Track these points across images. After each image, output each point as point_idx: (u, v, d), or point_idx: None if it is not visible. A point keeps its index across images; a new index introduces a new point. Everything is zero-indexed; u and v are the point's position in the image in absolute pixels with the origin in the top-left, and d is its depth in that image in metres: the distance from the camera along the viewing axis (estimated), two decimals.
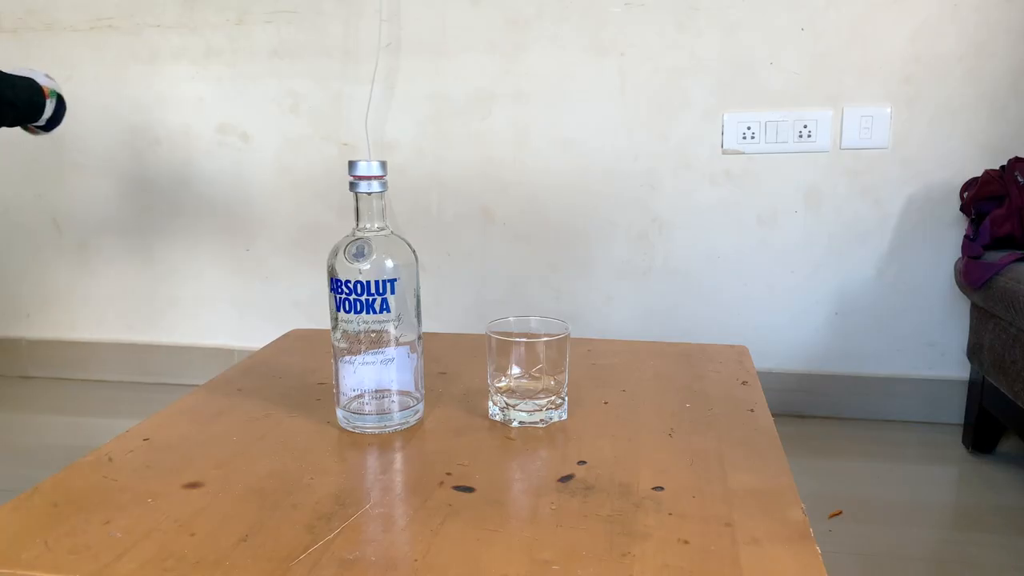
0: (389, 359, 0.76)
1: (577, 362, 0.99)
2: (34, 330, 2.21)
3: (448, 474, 0.68)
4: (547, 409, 0.79)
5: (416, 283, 0.78)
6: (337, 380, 0.78)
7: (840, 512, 1.39)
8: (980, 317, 1.56)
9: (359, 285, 0.74)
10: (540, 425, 0.79)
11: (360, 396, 0.77)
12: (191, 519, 0.61)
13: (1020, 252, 1.46)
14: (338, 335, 0.76)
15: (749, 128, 1.75)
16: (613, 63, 1.78)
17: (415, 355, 0.78)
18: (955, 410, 1.76)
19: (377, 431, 0.77)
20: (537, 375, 0.79)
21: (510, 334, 0.80)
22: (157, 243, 2.09)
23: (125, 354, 2.15)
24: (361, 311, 0.75)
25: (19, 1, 2.00)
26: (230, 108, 1.97)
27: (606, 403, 0.85)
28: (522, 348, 0.79)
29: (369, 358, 0.75)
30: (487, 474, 0.69)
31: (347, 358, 0.76)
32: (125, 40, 1.98)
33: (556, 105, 1.83)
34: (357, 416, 0.77)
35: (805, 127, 1.73)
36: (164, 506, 0.63)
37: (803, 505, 0.62)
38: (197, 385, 0.94)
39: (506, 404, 0.79)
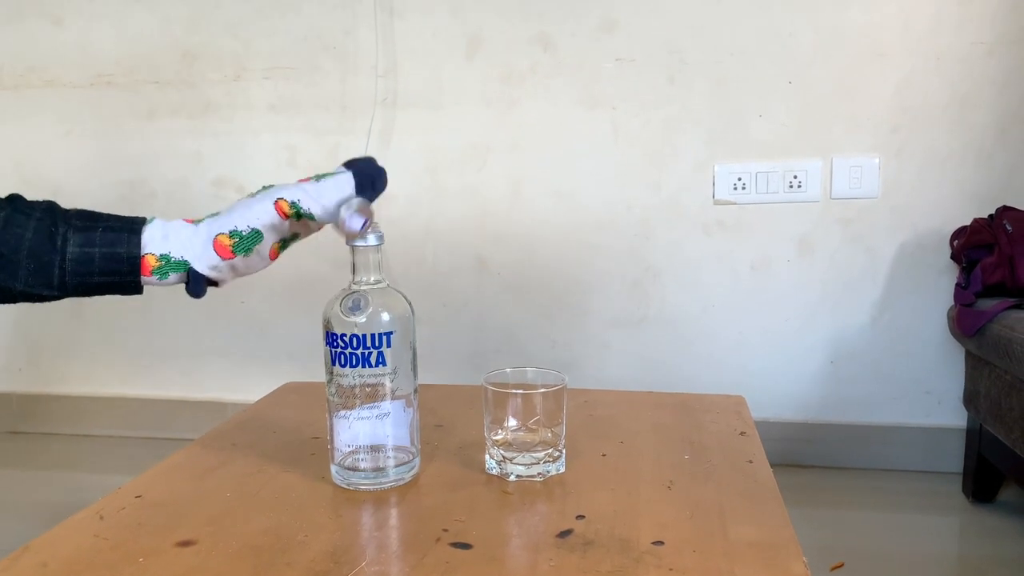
0: (385, 413, 0.75)
1: (574, 413, 0.99)
2: (24, 384, 2.19)
3: (445, 530, 0.67)
4: (544, 462, 0.78)
5: (412, 335, 0.77)
6: (332, 435, 0.77)
7: (842, 564, 1.37)
8: (975, 365, 1.56)
9: (355, 338, 0.73)
10: (538, 479, 0.78)
11: (355, 452, 0.76)
12: None
13: (1012, 300, 1.47)
14: (333, 389, 0.76)
15: (740, 179, 1.77)
16: (605, 116, 1.81)
17: (411, 409, 0.77)
18: (954, 458, 1.74)
19: (372, 488, 0.76)
20: (534, 427, 0.78)
21: (506, 385, 0.79)
22: (150, 295, 2.08)
23: (117, 408, 2.13)
24: (357, 365, 0.74)
25: (20, 58, 2.03)
26: (227, 162, 1.99)
27: (604, 455, 0.84)
28: (519, 400, 0.79)
29: (364, 412, 0.74)
30: (485, 530, 0.68)
31: (342, 413, 0.75)
32: (124, 96, 2.00)
33: (550, 157, 1.85)
34: (352, 472, 0.76)
35: (795, 177, 1.75)
36: (156, 565, 0.62)
37: (805, 559, 0.61)
38: (190, 440, 0.93)
39: (503, 457, 0.78)
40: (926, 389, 1.78)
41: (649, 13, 1.76)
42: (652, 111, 1.79)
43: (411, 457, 0.78)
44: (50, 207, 0.70)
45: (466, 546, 0.65)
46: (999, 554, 1.42)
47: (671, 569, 0.60)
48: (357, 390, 0.74)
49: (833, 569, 1.36)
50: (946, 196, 1.71)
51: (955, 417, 1.76)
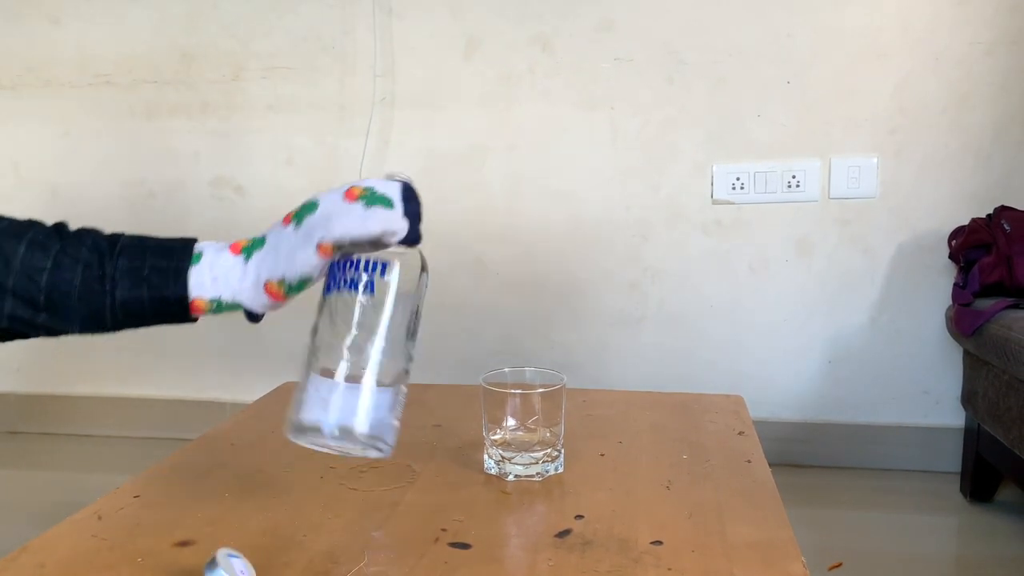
0: (358, 347, 0.64)
1: (573, 413, 0.99)
2: (23, 384, 2.18)
3: (444, 530, 0.67)
4: (543, 462, 0.78)
5: (419, 296, 0.68)
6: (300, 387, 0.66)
7: (840, 564, 1.37)
8: (973, 364, 1.56)
9: (349, 261, 0.65)
10: (536, 479, 0.78)
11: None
12: None
13: (1010, 299, 1.47)
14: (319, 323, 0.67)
15: (738, 179, 1.77)
16: (604, 116, 1.81)
17: (395, 378, 0.66)
18: (952, 458, 1.74)
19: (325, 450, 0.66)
20: (533, 427, 0.78)
21: (505, 385, 0.79)
22: None
23: (115, 408, 2.13)
24: (340, 288, 0.65)
25: (18, 58, 2.03)
26: (225, 162, 1.98)
27: (603, 455, 0.84)
28: (517, 400, 0.79)
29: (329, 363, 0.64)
30: (483, 530, 0.68)
31: (315, 361, 0.65)
32: (122, 96, 2.00)
33: (548, 157, 1.85)
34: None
35: (794, 177, 1.75)
36: (155, 565, 0.62)
37: (803, 559, 0.61)
38: (189, 439, 0.93)
39: (502, 457, 0.78)
40: (924, 389, 1.79)
41: (647, 13, 1.76)
42: (651, 111, 1.79)
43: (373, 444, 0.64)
44: (96, 244, 0.68)
45: (465, 546, 0.65)
46: (997, 553, 1.42)
47: (670, 569, 0.60)
48: (339, 317, 0.65)
49: (831, 569, 1.36)
50: (944, 196, 1.71)
51: (953, 417, 1.76)
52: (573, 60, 1.80)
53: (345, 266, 0.66)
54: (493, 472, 0.79)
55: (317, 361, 0.65)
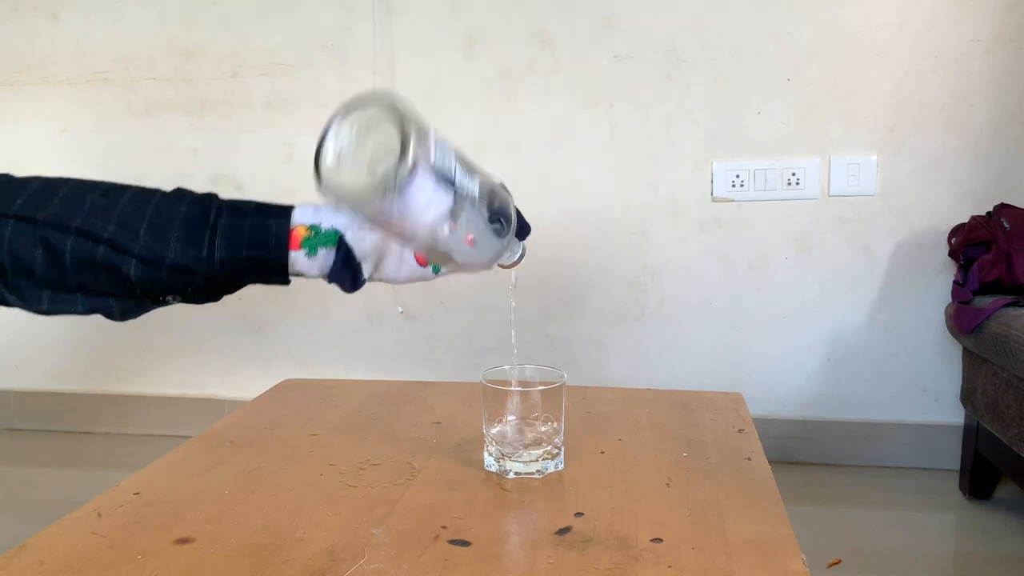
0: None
1: (572, 410, 0.99)
2: (22, 381, 2.18)
3: (443, 527, 0.67)
4: (543, 459, 0.78)
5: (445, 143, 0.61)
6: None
7: (839, 561, 1.37)
8: (972, 362, 1.56)
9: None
10: (536, 476, 0.78)
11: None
12: None
13: (1009, 297, 1.47)
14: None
15: (738, 176, 1.77)
16: (603, 114, 1.81)
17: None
18: (951, 456, 1.75)
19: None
20: (533, 424, 0.78)
21: (505, 382, 0.79)
22: None
23: (114, 405, 2.13)
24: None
25: (16, 55, 2.03)
26: (224, 159, 1.98)
27: (602, 452, 0.84)
28: (517, 397, 0.79)
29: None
30: (483, 527, 0.68)
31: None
32: (121, 93, 2.00)
33: (547, 155, 1.85)
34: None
35: (793, 175, 1.75)
36: (154, 563, 0.62)
37: (803, 556, 0.61)
38: (188, 437, 0.93)
39: (502, 455, 0.78)
40: (923, 386, 1.79)
41: (647, 11, 1.76)
42: (650, 108, 1.79)
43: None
44: (209, 194, 0.69)
45: (465, 543, 0.65)
46: (996, 551, 1.42)
47: (670, 566, 0.60)
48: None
49: (831, 566, 1.36)
50: (944, 194, 1.71)
51: (952, 414, 1.76)
52: (573, 57, 1.80)
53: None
54: (493, 469, 0.79)
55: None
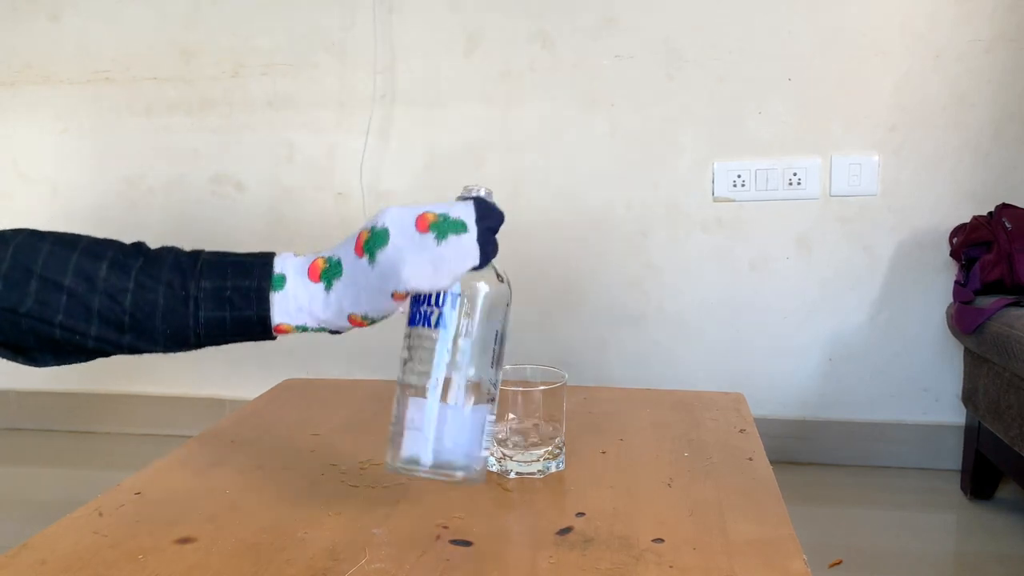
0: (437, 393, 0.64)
1: (573, 410, 0.99)
2: (23, 381, 2.18)
3: (445, 527, 0.67)
4: (544, 459, 0.78)
5: (502, 321, 0.68)
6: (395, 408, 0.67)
7: (840, 561, 1.37)
8: (973, 362, 1.56)
9: (421, 296, 0.65)
10: (537, 476, 0.78)
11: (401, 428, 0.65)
12: None
13: (1010, 297, 1.47)
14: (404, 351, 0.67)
15: (739, 176, 1.77)
16: (604, 113, 1.81)
17: (474, 407, 0.65)
18: (952, 456, 1.75)
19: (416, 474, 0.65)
20: (534, 424, 0.78)
21: (506, 382, 0.79)
22: None
23: (115, 405, 2.13)
24: (419, 323, 0.65)
25: (17, 55, 2.03)
26: (225, 158, 1.98)
27: (604, 452, 0.84)
28: (519, 397, 0.79)
29: (419, 385, 0.64)
30: (484, 527, 0.68)
31: (401, 379, 0.66)
32: (121, 93, 2.00)
33: (548, 154, 1.85)
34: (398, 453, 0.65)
35: (795, 175, 1.75)
36: (155, 562, 0.62)
37: (804, 556, 0.61)
38: (189, 437, 0.93)
39: (503, 454, 0.78)
40: (924, 386, 1.79)
41: (648, 10, 1.76)
42: (651, 108, 1.79)
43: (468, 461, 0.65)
44: (177, 262, 0.66)
45: (466, 543, 0.65)
46: (997, 551, 1.42)
47: (671, 567, 0.60)
48: (416, 353, 0.65)
49: (832, 566, 1.36)
50: (945, 194, 1.71)
51: (953, 414, 1.76)
52: (574, 57, 1.80)
53: (419, 300, 0.66)
54: (494, 469, 0.79)
55: (404, 394, 0.66)
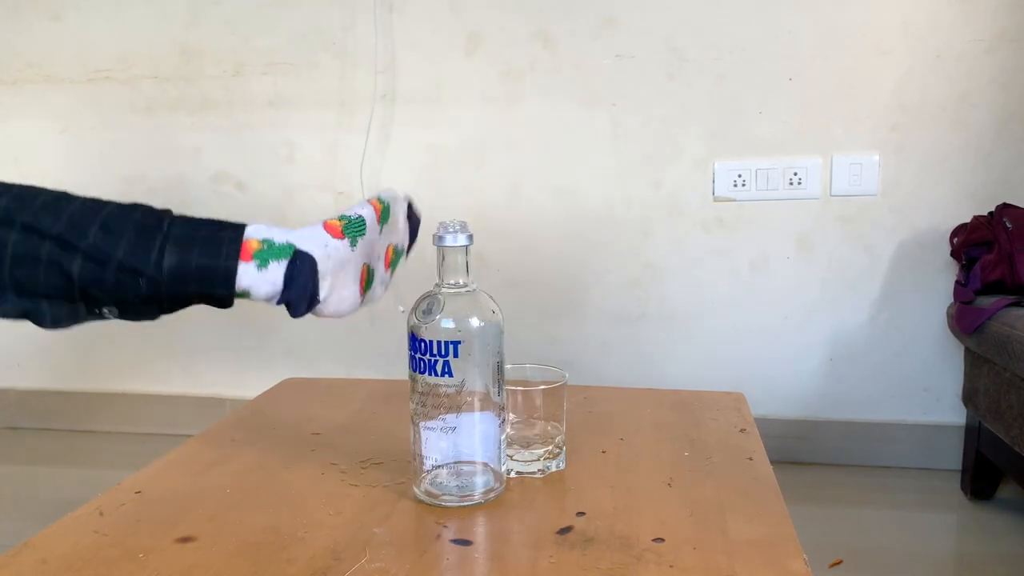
0: (450, 427, 0.70)
1: (574, 410, 0.99)
2: (24, 380, 2.18)
3: (445, 526, 0.67)
4: (545, 459, 0.78)
5: (497, 346, 0.72)
6: (413, 445, 0.72)
7: (840, 561, 1.37)
8: (974, 362, 1.56)
9: (423, 343, 0.69)
10: (538, 475, 0.78)
11: (437, 466, 0.71)
12: (184, 575, 0.60)
13: (1011, 297, 1.47)
14: (413, 396, 0.72)
15: (740, 176, 1.77)
16: (605, 113, 1.81)
17: (491, 423, 0.71)
18: (952, 456, 1.75)
19: (451, 504, 0.71)
20: (534, 424, 0.78)
21: (507, 382, 0.79)
22: None
23: (116, 404, 2.13)
24: (424, 371, 0.69)
25: (18, 54, 2.03)
26: (226, 158, 1.98)
27: (604, 452, 0.84)
28: (519, 396, 0.79)
29: (433, 424, 0.70)
30: (485, 527, 0.68)
31: (421, 423, 0.71)
32: (122, 92, 2.00)
33: (549, 154, 1.85)
34: (431, 487, 0.72)
35: (795, 174, 1.75)
36: (156, 561, 0.62)
37: (805, 556, 0.61)
38: (190, 436, 0.93)
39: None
40: (925, 386, 1.79)
41: (649, 10, 1.76)
42: (652, 108, 1.79)
43: (487, 474, 0.72)
44: (165, 208, 0.69)
45: (466, 543, 0.65)
46: (997, 551, 1.42)
47: (671, 566, 0.60)
48: (428, 399, 0.70)
49: (832, 566, 1.36)
50: (945, 194, 1.71)
51: (954, 414, 1.76)
52: (574, 57, 1.80)
53: (418, 346, 0.70)
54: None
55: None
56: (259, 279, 0.68)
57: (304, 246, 0.69)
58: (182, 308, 0.70)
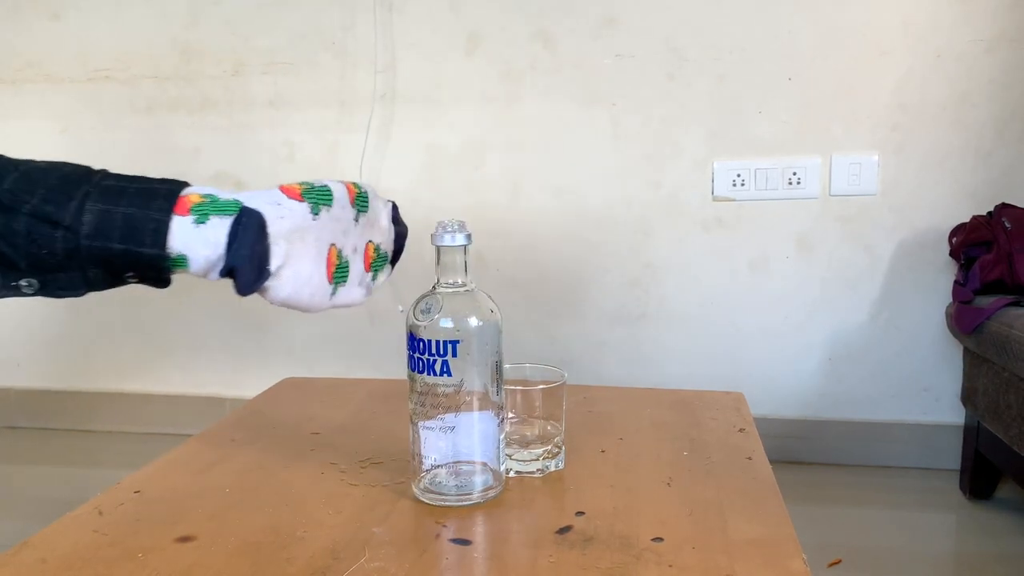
0: (449, 427, 0.70)
1: (573, 409, 0.99)
2: (23, 379, 2.18)
3: (444, 526, 0.67)
4: (544, 458, 0.78)
5: (495, 345, 0.72)
6: (412, 445, 0.72)
7: (840, 561, 1.37)
8: (973, 362, 1.56)
9: (421, 343, 0.69)
10: (537, 475, 0.78)
11: (436, 466, 0.72)
12: (183, 574, 0.60)
13: (1010, 297, 1.47)
14: (412, 396, 0.72)
15: (739, 175, 1.77)
16: (605, 113, 1.81)
17: (490, 422, 0.71)
18: (951, 455, 1.75)
19: (451, 504, 0.71)
20: (533, 423, 0.78)
21: (506, 381, 0.79)
22: (148, 291, 2.08)
23: (115, 403, 2.13)
24: (423, 371, 0.70)
25: (17, 54, 2.03)
26: (226, 158, 1.98)
27: (603, 452, 0.84)
28: (518, 396, 0.79)
29: (432, 423, 0.70)
30: (484, 526, 0.68)
31: (419, 422, 0.71)
32: (122, 91, 2.00)
33: (549, 154, 1.85)
34: (430, 485, 0.72)
35: (795, 174, 1.75)
36: (155, 561, 0.62)
37: (804, 556, 0.62)
38: (189, 435, 0.93)
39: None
40: (924, 386, 1.79)
41: (649, 10, 1.76)
42: (652, 108, 1.79)
43: (486, 474, 0.72)
44: (105, 170, 0.62)
45: (466, 542, 0.65)
46: (996, 551, 1.42)
47: (671, 566, 0.60)
48: (427, 399, 0.70)
49: (831, 565, 1.36)
50: (945, 193, 1.71)
51: (953, 414, 1.76)
52: (574, 57, 1.80)
53: (417, 346, 0.70)
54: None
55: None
56: (196, 237, 0.55)
57: (253, 203, 0.59)
58: (112, 285, 0.59)
